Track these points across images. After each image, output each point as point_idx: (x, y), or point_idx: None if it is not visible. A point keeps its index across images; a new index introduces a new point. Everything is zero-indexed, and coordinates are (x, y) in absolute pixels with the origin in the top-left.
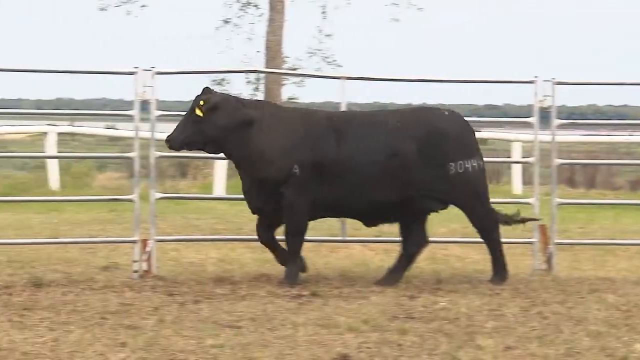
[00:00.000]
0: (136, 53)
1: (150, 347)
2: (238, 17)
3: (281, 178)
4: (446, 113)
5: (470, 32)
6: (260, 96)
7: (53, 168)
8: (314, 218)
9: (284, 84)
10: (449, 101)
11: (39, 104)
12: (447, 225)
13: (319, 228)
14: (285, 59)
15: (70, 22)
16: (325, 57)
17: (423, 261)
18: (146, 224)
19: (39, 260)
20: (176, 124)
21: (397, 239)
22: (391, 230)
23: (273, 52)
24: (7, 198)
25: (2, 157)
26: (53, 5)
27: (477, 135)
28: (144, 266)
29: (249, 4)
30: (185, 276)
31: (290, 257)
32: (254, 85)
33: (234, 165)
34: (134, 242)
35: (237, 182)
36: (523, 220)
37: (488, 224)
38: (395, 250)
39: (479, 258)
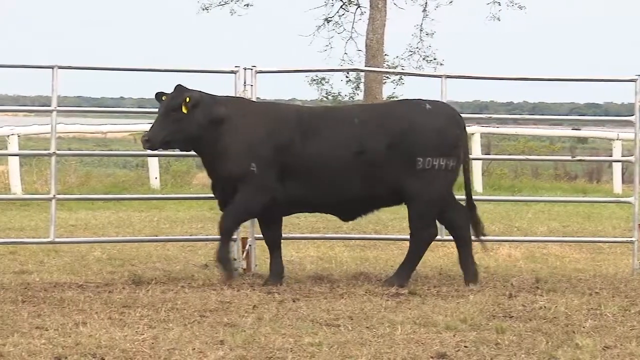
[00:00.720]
0: (237, 52)
1: (249, 344)
2: (339, 15)
3: (239, 175)
4: (428, 106)
5: (572, 30)
6: (360, 95)
7: (154, 166)
8: (287, 214)
9: (384, 83)
10: (551, 100)
11: (141, 102)
12: (547, 224)
13: None
14: (386, 57)
15: (172, 21)
16: (426, 55)
17: (522, 260)
18: (246, 222)
19: (139, 257)
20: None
21: (496, 238)
22: (491, 229)
23: (373, 50)
24: (108, 196)
25: (104, 156)
26: (156, 4)
27: (573, 133)
28: (243, 264)
29: (350, 2)
30: (284, 274)
31: (221, 240)
32: (354, 84)
33: (203, 163)
34: (233, 240)
35: None
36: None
37: (420, 233)
38: (494, 249)
39: (579, 257)
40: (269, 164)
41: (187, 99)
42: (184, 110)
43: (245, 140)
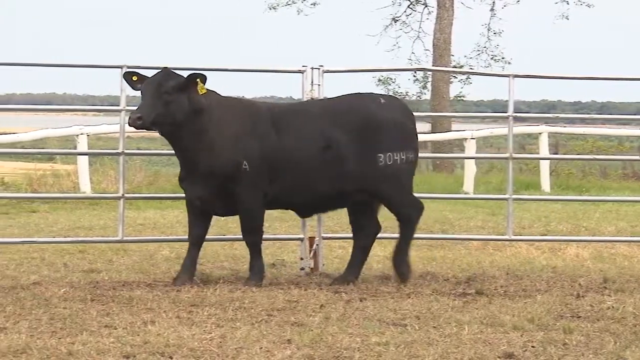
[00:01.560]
0: (304, 51)
1: (316, 344)
2: (406, 15)
3: (230, 172)
4: (382, 100)
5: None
6: (427, 94)
7: None
8: None
9: (451, 82)
10: (619, 99)
11: None
12: (615, 224)
13: (485, 227)
14: (453, 57)
15: (240, 21)
16: (493, 54)
17: (589, 260)
18: (313, 222)
19: (207, 257)
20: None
21: (564, 237)
22: (558, 229)
23: (441, 49)
24: (177, 195)
25: (172, 155)
26: (223, 3)
27: None
28: (311, 263)
29: (417, 1)
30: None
31: (253, 254)
32: (421, 84)
33: (177, 155)
34: (300, 239)
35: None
36: None
37: (410, 212)
38: (561, 249)
39: None
40: (256, 158)
41: (199, 80)
42: (201, 91)
43: (232, 135)
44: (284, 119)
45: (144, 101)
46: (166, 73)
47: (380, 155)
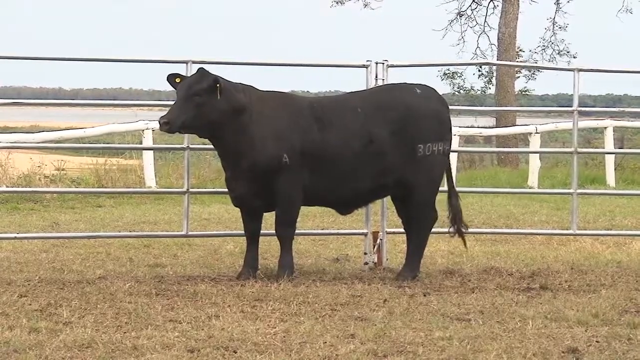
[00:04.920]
0: (369, 45)
1: (380, 338)
2: (472, 9)
3: (271, 166)
4: (418, 90)
5: None
6: (492, 89)
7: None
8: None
9: (517, 77)
10: None
11: None
12: None
13: (549, 221)
14: (519, 51)
15: (304, 16)
16: (559, 49)
17: None
18: (377, 216)
19: (271, 251)
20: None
21: (629, 232)
22: (623, 223)
23: (506, 44)
24: None
25: None
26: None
27: None
28: (374, 258)
29: None
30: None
31: (283, 247)
32: (486, 78)
33: (220, 153)
34: (364, 234)
35: (471, 174)
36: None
37: (426, 220)
38: (626, 243)
39: None
40: (297, 153)
41: (219, 85)
42: (218, 96)
43: (274, 130)
44: (326, 112)
45: (174, 105)
46: (199, 74)
47: (420, 145)
